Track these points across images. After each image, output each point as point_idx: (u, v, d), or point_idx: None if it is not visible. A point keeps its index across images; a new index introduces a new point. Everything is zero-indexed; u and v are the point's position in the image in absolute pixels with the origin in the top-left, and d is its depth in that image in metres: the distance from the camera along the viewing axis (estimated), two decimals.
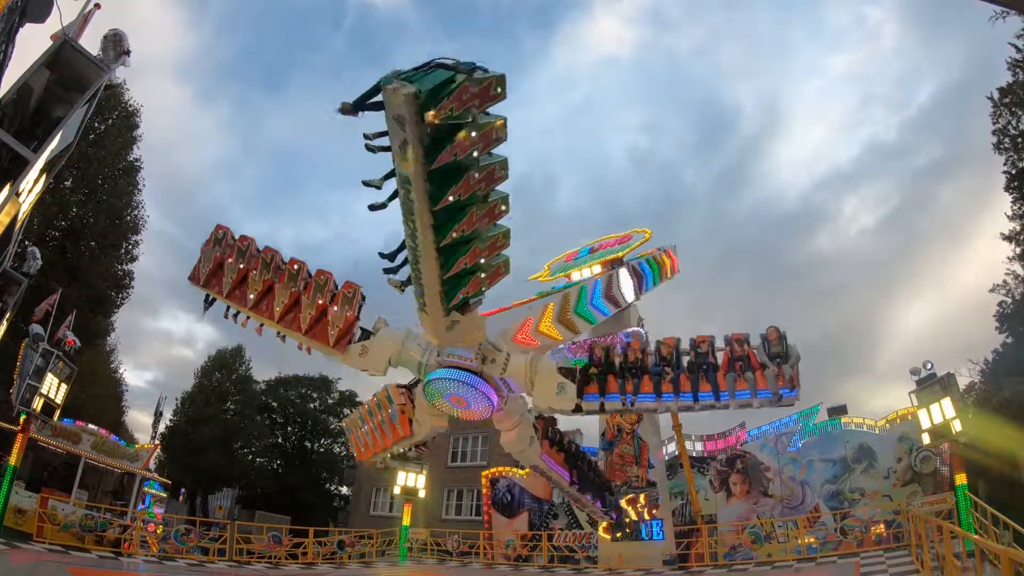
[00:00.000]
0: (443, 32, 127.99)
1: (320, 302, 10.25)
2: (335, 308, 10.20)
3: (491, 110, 6.68)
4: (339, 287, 10.44)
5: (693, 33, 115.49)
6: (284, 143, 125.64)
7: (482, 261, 8.07)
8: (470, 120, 6.51)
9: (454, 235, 7.47)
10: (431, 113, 6.09)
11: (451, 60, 6.32)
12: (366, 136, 6.98)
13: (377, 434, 12.62)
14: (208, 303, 10.93)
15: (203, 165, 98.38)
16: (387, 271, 8.68)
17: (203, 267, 10.81)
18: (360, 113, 6.48)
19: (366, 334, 10.51)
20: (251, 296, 10.35)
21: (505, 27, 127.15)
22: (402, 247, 8.26)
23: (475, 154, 6.83)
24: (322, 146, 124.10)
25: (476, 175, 7.05)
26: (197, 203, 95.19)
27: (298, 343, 10.59)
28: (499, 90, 6.49)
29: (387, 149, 6.91)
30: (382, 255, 8.63)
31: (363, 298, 10.46)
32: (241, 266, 10.48)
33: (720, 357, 10.29)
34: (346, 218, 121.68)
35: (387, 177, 7.31)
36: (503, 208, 7.67)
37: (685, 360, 10.50)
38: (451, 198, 7.00)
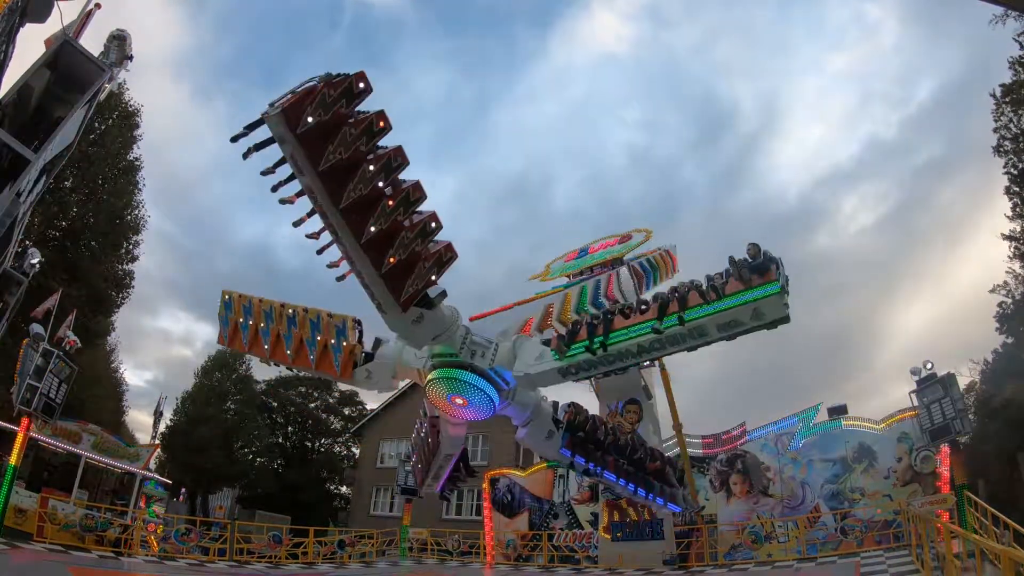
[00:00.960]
0: (441, 30, 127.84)
1: (319, 339, 11.25)
2: (332, 342, 11.22)
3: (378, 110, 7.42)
4: (346, 322, 11.42)
5: (691, 30, 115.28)
6: None
7: (417, 249, 8.34)
8: (344, 121, 7.20)
9: (372, 229, 7.83)
10: (298, 120, 6.85)
11: (317, 76, 7.05)
12: (263, 173, 7.63)
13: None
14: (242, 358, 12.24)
15: (201, 164, 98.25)
16: (339, 278, 8.94)
17: (223, 331, 12.46)
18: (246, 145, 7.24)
19: (369, 357, 11.30)
20: (266, 347, 11.68)
21: (503, 25, 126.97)
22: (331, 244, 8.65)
23: (361, 148, 7.33)
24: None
25: (371, 167, 7.48)
26: (195, 202, 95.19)
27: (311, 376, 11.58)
28: (362, 85, 7.15)
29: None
30: (329, 266, 8.84)
31: (359, 324, 11.33)
32: (251, 323, 11.84)
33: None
34: None
35: (300, 194, 7.78)
36: (418, 195, 8.02)
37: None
38: (353, 195, 7.50)
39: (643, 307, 9.87)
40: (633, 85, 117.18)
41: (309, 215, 8.01)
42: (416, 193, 7.99)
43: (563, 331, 11.82)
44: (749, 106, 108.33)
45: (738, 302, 8.96)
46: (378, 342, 11.45)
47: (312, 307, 11.66)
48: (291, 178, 7.61)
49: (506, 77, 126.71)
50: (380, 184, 7.65)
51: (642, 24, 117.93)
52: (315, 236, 8.18)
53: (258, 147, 7.20)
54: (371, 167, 7.48)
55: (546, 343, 10.63)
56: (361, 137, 7.28)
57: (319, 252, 8.48)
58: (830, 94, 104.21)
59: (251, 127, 7.11)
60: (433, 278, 8.87)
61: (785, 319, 9.14)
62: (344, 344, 11.12)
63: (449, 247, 8.69)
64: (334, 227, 7.91)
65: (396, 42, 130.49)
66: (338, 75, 7.06)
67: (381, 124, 7.41)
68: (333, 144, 7.13)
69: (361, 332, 11.37)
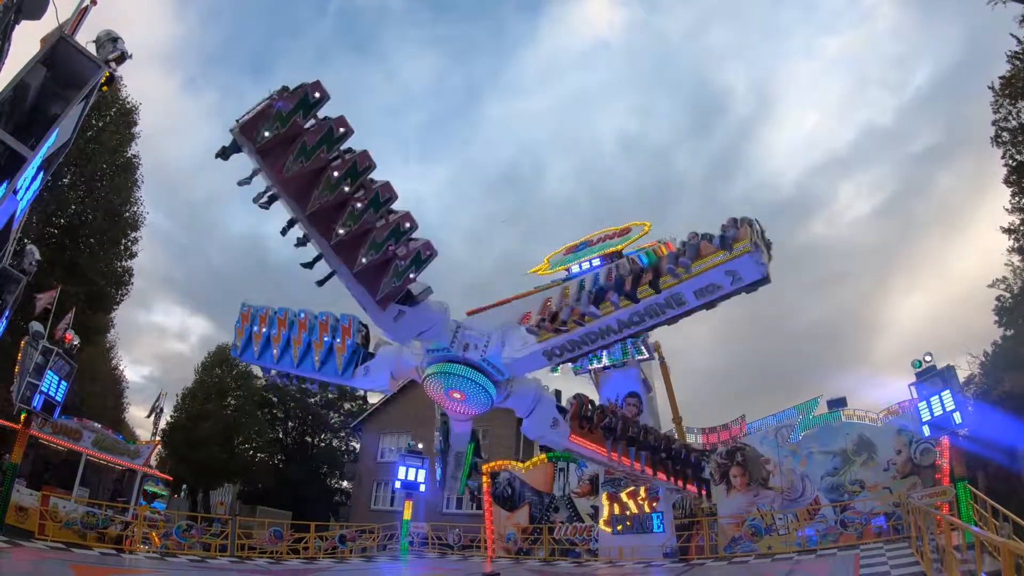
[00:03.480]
0: (428, 15, 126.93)
1: (324, 339, 11.39)
2: (338, 342, 11.30)
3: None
4: (341, 322, 11.48)
5: (683, 15, 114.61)
6: None
7: (391, 248, 8.52)
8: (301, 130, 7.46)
9: (340, 232, 8.01)
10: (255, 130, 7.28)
11: (274, 90, 7.42)
12: (240, 183, 7.88)
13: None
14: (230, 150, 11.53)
15: (192, 156, 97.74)
16: (319, 282, 9.09)
17: (239, 342, 12.41)
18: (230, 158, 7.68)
19: (369, 356, 11.37)
20: (275, 353, 11.74)
21: (490, 9, 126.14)
22: (319, 257, 8.76)
23: (323, 155, 7.60)
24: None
25: (335, 173, 7.72)
26: (187, 194, 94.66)
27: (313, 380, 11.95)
28: (317, 95, 7.44)
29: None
30: (304, 265, 8.84)
31: (363, 326, 11.40)
32: (263, 330, 11.94)
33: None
34: None
35: (273, 198, 7.97)
36: (388, 195, 8.25)
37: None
38: (319, 200, 7.75)
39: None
40: (625, 71, 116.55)
41: (289, 224, 8.24)
42: (386, 193, 8.19)
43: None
44: (742, 92, 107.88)
45: (711, 264, 8.63)
46: (379, 342, 11.50)
47: (315, 310, 11.84)
48: (268, 188, 7.88)
49: (495, 64, 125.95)
50: (347, 188, 7.92)
51: (633, 9, 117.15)
52: (302, 243, 8.37)
53: (225, 153, 7.70)
54: (335, 172, 7.75)
55: (529, 330, 10.55)
56: (321, 144, 7.59)
57: (309, 266, 8.68)
58: (825, 79, 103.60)
59: (226, 149, 7.70)
60: (412, 276, 8.94)
61: (764, 280, 8.76)
62: (347, 343, 11.21)
63: (428, 245, 8.80)
64: (304, 230, 8.23)
65: (383, 28, 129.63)
66: (295, 87, 7.41)
67: (341, 129, 7.68)
68: (293, 154, 7.49)
69: (367, 333, 11.39)
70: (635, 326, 9.69)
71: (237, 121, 7.38)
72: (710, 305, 9.18)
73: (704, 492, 17.01)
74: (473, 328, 10.44)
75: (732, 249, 8.45)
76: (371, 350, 11.46)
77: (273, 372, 12.17)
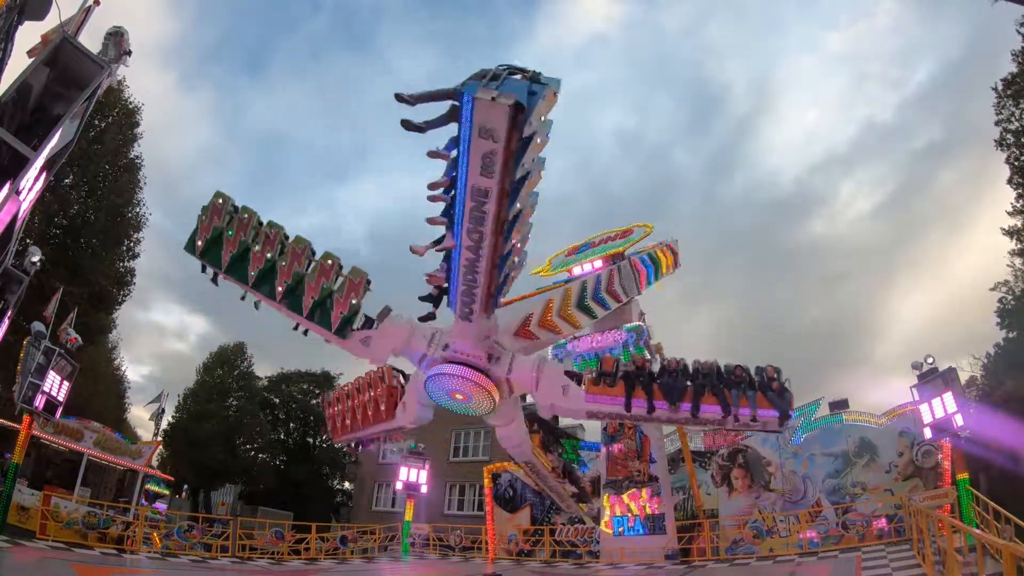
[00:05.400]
0: (423, 11, 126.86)
1: (318, 278, 10.04)
2: (339, 294, 10.03)
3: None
4: (344, 271, 10.26)
5: (682, 9, 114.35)
6: (268, 128, 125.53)
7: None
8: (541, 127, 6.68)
9: (515, 241, 7.87)
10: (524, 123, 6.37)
11: (508, 68, 6.58)
12: (433, 153, 7.15)
13: (358, 414, 12.46)
14: (205, 269, 10.51)
15: (188, 153, 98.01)
16: (429, 312, 9.24)
17: (201, 236, 10.23)
18: (416, 106, 6.87)
19: (369, 322, 10.26)
20: (252, 273, 10.06)
21: (486, 4, 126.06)
22: (441, 293, 8.83)
23: (533, 159, 7.07)
24: (305, 130, 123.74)
25: (535, 180, 7.41)
26: (184, 192, 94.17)
27: (295, 325, 10.35)
28: (556, 96, 6.68)
29: (443, 157, 7.17)
30: (422, 299, 9.05)
31: (368, 283, 10.24)
32: (242, 238, 10.12)
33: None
34: (331, 206, 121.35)
35: (448, 189, 7.39)
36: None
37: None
38: (518, 205, 7.28)
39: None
40: (623, 67, 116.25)
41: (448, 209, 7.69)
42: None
43: (565, 327, 11.90)
44: (742, 88, 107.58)
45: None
46: (386, 310, 10.33)
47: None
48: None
49: (492, 59, 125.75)
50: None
51: (631, 4, 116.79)
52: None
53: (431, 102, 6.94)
54: (535, 178, 7.54)
55: (569, 374, 10.74)
56: (541, 148, 7.11)
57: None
58: (825, 75, 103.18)
59: (433, 98, 6.94)
60: (353, 301, 9.93)
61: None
62: (351, 301, 10.01)
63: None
64: (481, 234, 7.56)
65: (379, 24, 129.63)
66: (547, 78, 6.65)
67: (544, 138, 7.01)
68: (530, 152, 6.87)
69: (366, 293, 10.23)
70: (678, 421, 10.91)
71: (477, 83, 6.50)
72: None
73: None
74: (497, 339, 10.22)
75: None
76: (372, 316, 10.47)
77: (243, 292, 10.45)
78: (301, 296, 10.02)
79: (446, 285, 8.57)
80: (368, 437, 12.93)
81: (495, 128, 6.34)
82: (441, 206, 7.57)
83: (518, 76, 6.51)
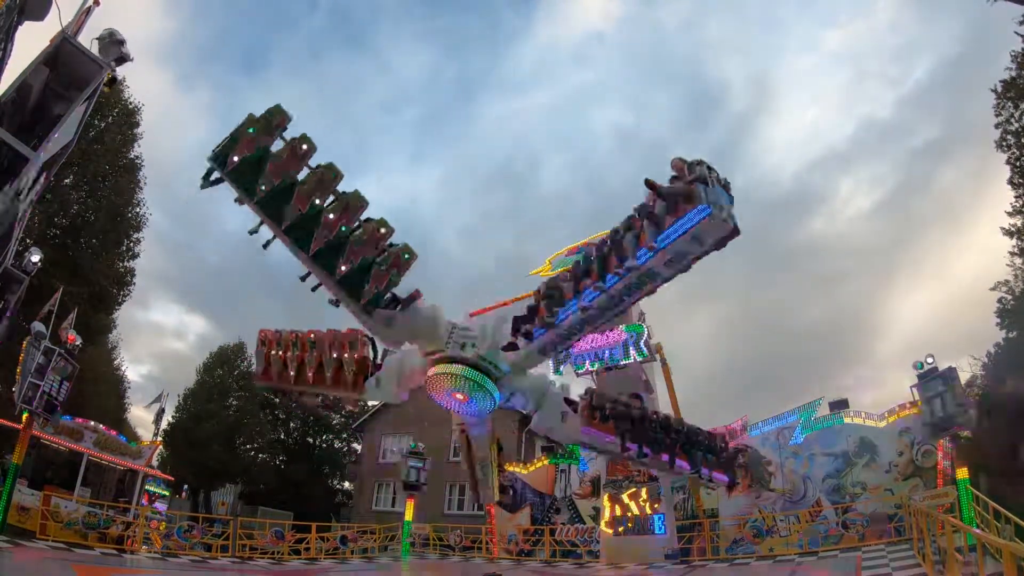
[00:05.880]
0: (421, 9, 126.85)
1: (334, 355, 10.96)
2: (346, 355, 10.85)
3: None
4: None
5: (680, 6, 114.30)
6: None
7: (368, 255, 8.93)
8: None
9: (315, 244, 8.48)
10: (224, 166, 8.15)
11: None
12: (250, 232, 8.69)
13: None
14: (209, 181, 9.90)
15: (186, 152, 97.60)
16: (315, 288, 9.25)
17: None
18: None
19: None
20: (292, 374, 11.38)
21: (485, 1, 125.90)
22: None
23: (292, 171, 8.42)
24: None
25: (304, 187, 8.39)
26: (183, 192, 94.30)
27: (314, 282, 9.82)
28: (281, 119, 8.34)
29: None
30: (302, 279, 9.24)
31: (371, 339, 10.88)
32: (280, 353, 11.54)
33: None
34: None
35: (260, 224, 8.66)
36: (358, 204, 8.73)
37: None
38: (292, 214, 8.29)
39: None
40: (621, 64, 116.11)
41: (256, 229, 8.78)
42: (357, 203, 8.71)
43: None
44: (739, 85, 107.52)
45: (674, 237, 7.92)
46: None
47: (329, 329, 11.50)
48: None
49: (490, 57, 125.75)
50: (317, 201, 8.53)
51: (629, 0, 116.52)
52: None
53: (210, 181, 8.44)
54: (304, 187, 8.37)
55: (568, 401, 11.19)
56: (289, 162, 8.32)
57: (303, 278, 9.22)
58: (823, 73, 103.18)
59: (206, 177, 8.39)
60: (393, 279, 9.20)
61: (732, 234, 8.07)
62: (357, 356, 10.85)
63: (406, 248, 9.10)
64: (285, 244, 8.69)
65: (376, 22, 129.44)
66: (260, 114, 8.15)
67: (304, 148, 8.32)
68: (264, 175, 8.18)
69: (374, 345, 11.00)
70: (622, 302, 9.36)
71: (213, 151, 8.19)
72: (686, 268, 8.71)
73: (735, 484, 14.75)
74: (471, 327, 10.33)
75: (691, 213, 7.80)
76: (379, 362, 11.17)
77: (294, 392, 12.10)
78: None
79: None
80: (313, 395, 12.63)
81: (221, 173, 8.18)
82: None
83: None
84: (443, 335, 9.94)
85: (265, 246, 8.85)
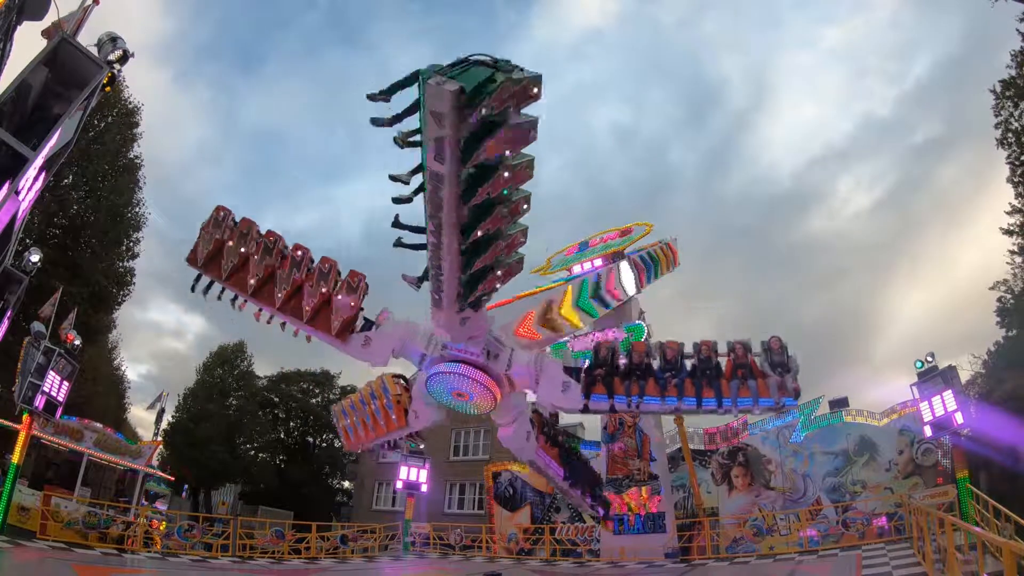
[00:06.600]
0: (418, 6, 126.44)
1: (323, 291, 10.00)
2: (339, 297, 10.00)
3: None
4: (343, 275, 10.19)
5: (678, 3, 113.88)
6: (263, 125, 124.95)
7: (500, 259, 8.04)
8: (507, 119, 6.47)
9: (479, 234, 7.50)
10: (471, 111, 6.18)
11: (487, 57, 6.39)
12: (397, 140, 7.15)
13: (369, 423, 12.28)
14: (198, 282, 10.39)
15: (184, 150, 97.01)
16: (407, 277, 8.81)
17: (202, 249, 10.25)
18: (391, 99, 6.96)
19: (369, 324, 10.23)
20: (251, 282, 10.03)
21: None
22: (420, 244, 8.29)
23: (507, 152, 6.81)
24: (301, 127, 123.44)
25: (506, 174, 7.03)
26: (180, 190, 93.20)
27: (296, 330, 10.18)
28: (535, 90, 6.45)
29: (417, 144, 7.05)
30: (400, 243, 8.51)
31: (367, 288, 10.23)
32: (242, 250, 10.13)
33: (723, 363, 10.11)
34: (327, 202, 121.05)
35: (414, 172, 7.40)
36: (525, 207, 7.63)
37: (689, 364, 10.27)
38: (482, 197, 7.06)
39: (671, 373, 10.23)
40: (618, 61, 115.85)
41: (415, 193, 7.66)
42: (524, 204, 7.60)
43: (565, 326, 11.83)
44: (738, 82, 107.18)
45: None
46: (384, 313, 10.39)
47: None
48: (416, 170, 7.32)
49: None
50: (505, 191, 7.30)
51: None
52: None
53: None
54: (506, 174, 7.03)
55: (568, 370, 10.62)
56: (511, 143, 6.78)
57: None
58: (823, 69, 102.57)
59: (400, 87, 6.91)
60: (498, 286, 8.56)
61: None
62: (351, 303, 9.98)
63: (521, 260, 8.31)
64: (440, 220, 7.45)
65: (372, 20, 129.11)
66: (519, 71, 6.39)
67: (531, 136, 6.80)
68: (488, 144, 6.60)
69: (365, 296, 10.20)
70: (673, 411, 11.09)
71: (435, 70, 6.47)
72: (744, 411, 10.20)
73: (599, 513, 15.01)
74: (496, 336, 10.20)
75: (786, 393, 9.56)
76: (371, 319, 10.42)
77: (240, 301, 10.27)
78: (301, 303, 9.95)
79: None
80: (384, 443, 12.96)
81: (443, 112, 6.31)
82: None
83: (484, 66, 6.38)
84: (422, 343, 10.04)
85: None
